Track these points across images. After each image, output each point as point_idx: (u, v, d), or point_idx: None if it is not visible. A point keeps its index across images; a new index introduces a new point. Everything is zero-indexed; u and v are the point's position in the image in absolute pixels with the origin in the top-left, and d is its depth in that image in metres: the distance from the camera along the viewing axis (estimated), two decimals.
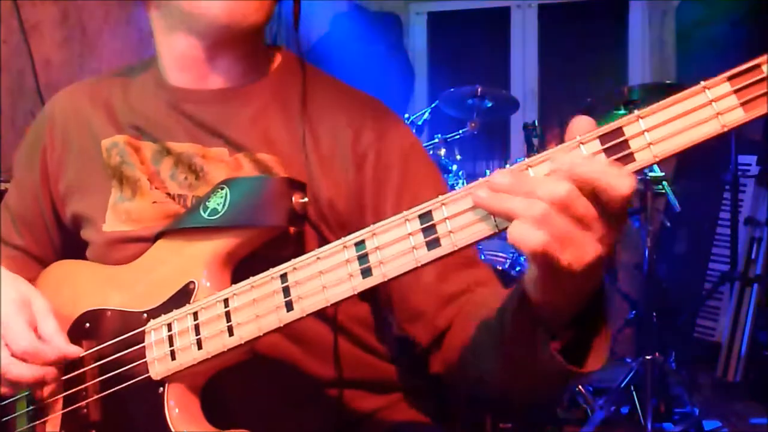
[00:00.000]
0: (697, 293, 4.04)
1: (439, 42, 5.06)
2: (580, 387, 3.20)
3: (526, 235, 0.72)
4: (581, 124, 0.76)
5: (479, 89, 3.46)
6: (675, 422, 3.10)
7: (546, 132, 3.79)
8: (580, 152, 0.75)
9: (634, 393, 3.04)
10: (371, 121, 1.14)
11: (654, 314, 3.12)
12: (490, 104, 3.53)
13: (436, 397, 1.25)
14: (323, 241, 1.05)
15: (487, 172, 3.54)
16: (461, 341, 1.02)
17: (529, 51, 4.91)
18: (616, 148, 0.74)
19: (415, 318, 1.09)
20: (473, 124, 3.42)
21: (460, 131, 3.43)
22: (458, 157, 3.52)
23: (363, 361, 1.15)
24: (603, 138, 0.75)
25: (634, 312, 3.57)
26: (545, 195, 0.72)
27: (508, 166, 3.33)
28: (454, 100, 3.55)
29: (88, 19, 4.44)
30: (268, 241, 1.03)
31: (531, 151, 3.31)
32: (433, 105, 3.58)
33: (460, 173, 3.40)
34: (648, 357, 3.01)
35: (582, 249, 0.73)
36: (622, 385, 3.06)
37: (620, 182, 0.71)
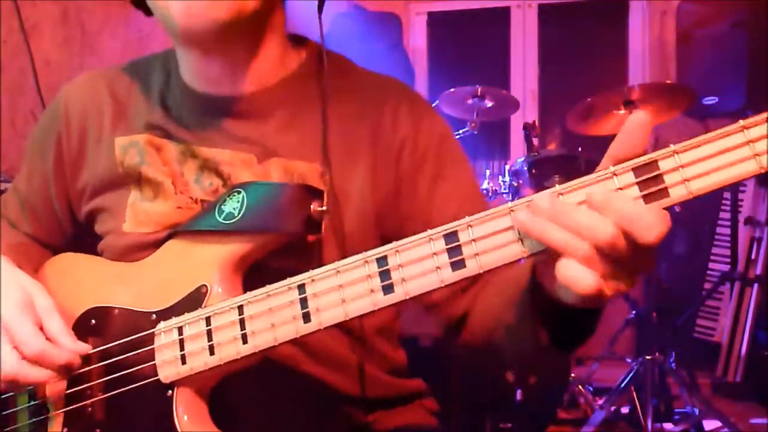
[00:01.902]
0: (697, 293, 4.04)
1: (439, 42, 5.06)
2: (580, 387, 3.20)
3: (580, 277, 0.73)
4: (637, 119, 0.76)
5: (479, 89, 3.46)
6: (675, 422, 3.10)
7: (546, 132, 3.79)
8: (614, 184, 0.75)
9: (634, 393, 3.04)
10: (407, 110, 1.13)
11: (654, 314, 3.11)
12: (490, 104, 3.53)
13: (439, 399, 1.25)
14: (363, 240, 1.04)
15: (487, 172, 3.54)
16: (481, 323, 1.05)
17: (529, 51, 4.91)
18: (650, 182, 0.74)
19: (430, 308, 1.11)
20: (473, 124, 3.42)
21: (460, 131, 3.43)
22: None
23: (378, 378, 1.15)
24: (637, 170, 0.74)
25: (634, 312, 3.56)
26: (591, 236, 0.72)
27: (508, 166, 3.35)
28: (454, 100, 3.55)
29: (88, 19, 4.44)
30: (283, 251, 1.01)
31: (531, 151, 3.30)
32: (433, 105, 3.58)
33: None
34: (648, 357, 3.01)
35: (618, 283, 0.75)
36: (622, 385, 3.06)
37: (650, 232, 0.71)
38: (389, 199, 1.10)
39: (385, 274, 0.85)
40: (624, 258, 0.72)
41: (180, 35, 1.04)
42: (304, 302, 0.89)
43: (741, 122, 0.72)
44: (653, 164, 0.74)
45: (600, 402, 3.11)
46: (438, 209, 1.10)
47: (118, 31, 4.44)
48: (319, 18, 1.14)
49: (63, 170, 1.19)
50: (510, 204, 0.79)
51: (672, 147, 0.73)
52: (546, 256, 0.78)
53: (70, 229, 1.23)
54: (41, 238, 1.24)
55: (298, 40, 1.20)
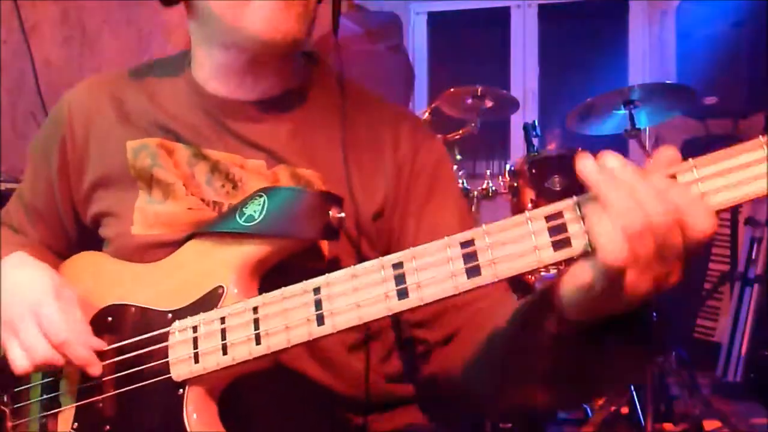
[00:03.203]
0: (697, 293, 4.04)
1: (439, 42, 5.06)
2: None
3: (615, 243, 0.68)
4: (666, 153, 0.74)
5: (479, 89, 3.46)
6: (675, 422, 3.10)
7: (546, 132, 3.79)
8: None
9: (634, 393, 3.04)
10: (409, 134, 1.16)
11: (654, 314, 3.11)
12: (490, 104, 3.53)
13: (440, 401, 1.25)
14: (362, 259, 1.06)
15: (488, 172, 3.54)
16: (466, 345, 1.03)
17: (529, 51, 4.91)
18: None
19: (424, 323, 1.11)
20: (473, 124, 3.42)
21: (460, 131, 3.43)
22: (458, 157, 3.51)
23: (379, 385, 1.15)
24: None
25: None
26: (651, 208, 0.68)
27: (508, 166, 3.35)
28: (454, 100, 3.55)
29: (88, 19, 4.43)
30: (301, 254, 1.03)
31: (531, 151, 3.30)
32: (433, 105, 3.58)
33: (460, 173, 3.39)
34: None
35: (644, 279, 0.71)
36: None
37: (706, 220, 0.69)
38: (385, 214, 1.13)
39: (400, 279, 0.85)
40: (671, 249, 0.70)
41: (256, 48, 1.08)
42: (318, 305, 0.90)
43: (761, 138, 0.72)
44: (672, 178, 0.73)
45: (600, 402, 3.11)
46: (426, 233, 1.11)
47: (118, 31, 4.44)
48: (335, 39, 1.16)
49: (67, 174, 1.20)
50: (528, 213, 0.79)
51: (691, 161, 0.73)
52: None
53: (75, 234, 1.24)
54: (47, 242, 1.25)
55: (311, 55, 1.23)
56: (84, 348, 1.02)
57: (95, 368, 1.03)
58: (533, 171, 3.15)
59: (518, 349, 0.90)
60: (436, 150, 1.20)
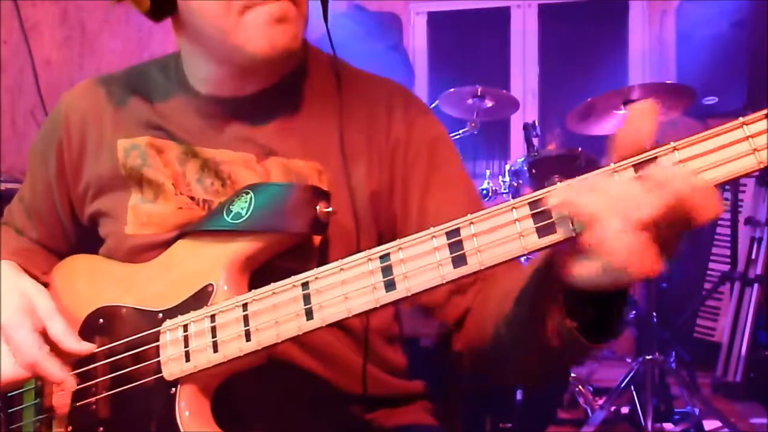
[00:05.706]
0: (697, 293, 4.04)
1: (439, 42, 5.06)
2: (580, 387, 3.20)
3: (616, 246, 0.69)
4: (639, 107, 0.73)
5: (479, 89, 3.46)
6: (675, 422, 3.10)
7: (546, 132, 3.79)
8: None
9: (634, 393, 3.04)
10: (401, 111, 1.14)
11: (654, 314, 3.12)
12: (490, 104, 3.53)
13: (440, 399, 1.25)
14: (363, 238, 1.06)
15: (487, 172, 3.54)
16: (481, 321, 1.02)
17: (529, 51, 4.91)
18: None
19: (433, 309, 1.10)
20: (473, 124, 3.42)
21: (460, 131, 3.43)
22: None
23: (378, 378, 1.15)
24: (637, 167, 0.73)
25: (634, 312, 3.57)
26: (645, 207, 0.68)
27: (508, 166, 3.35)
28: (454, 100, 3.55)
29: (88, 19, 4.44)
30: (289, 251, 1.03)
31: (531, 151, 3.30)
32: (433, 105, 3.58)
33: None
34: (648, 357, 3.01)
35: (649, 263, 0.70)
36: (622, 385, 3.06)
37: (710, 205, 0.69)
38: (383, 198, 1.12)
39: (387, 271, 0.85)
40: (671, 235, 0.70)
41: (254, 63, 1.06)
42: (307, 299, 0.90)
43: (741, 119, 0.72)
44: (653, 161, 0.73)
45: (600, 402, 3.11)
46: (432, 214, 1.10)
47: (118, 31, 4.44)
48: (326, 25, 1.14)
49: (65, 175, 1.21)
50: (512, 201, 0.79)
51: (672, 144, 0.73)
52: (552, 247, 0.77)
53: (74, 234, 1.25)
54: (47, 244, 1.26)
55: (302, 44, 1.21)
56: (55, 365, 1.03)
57: (69, 384, 1.04)
58: (533, 171, 3.16)
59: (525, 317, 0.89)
60: (431, 126, 1.16)
